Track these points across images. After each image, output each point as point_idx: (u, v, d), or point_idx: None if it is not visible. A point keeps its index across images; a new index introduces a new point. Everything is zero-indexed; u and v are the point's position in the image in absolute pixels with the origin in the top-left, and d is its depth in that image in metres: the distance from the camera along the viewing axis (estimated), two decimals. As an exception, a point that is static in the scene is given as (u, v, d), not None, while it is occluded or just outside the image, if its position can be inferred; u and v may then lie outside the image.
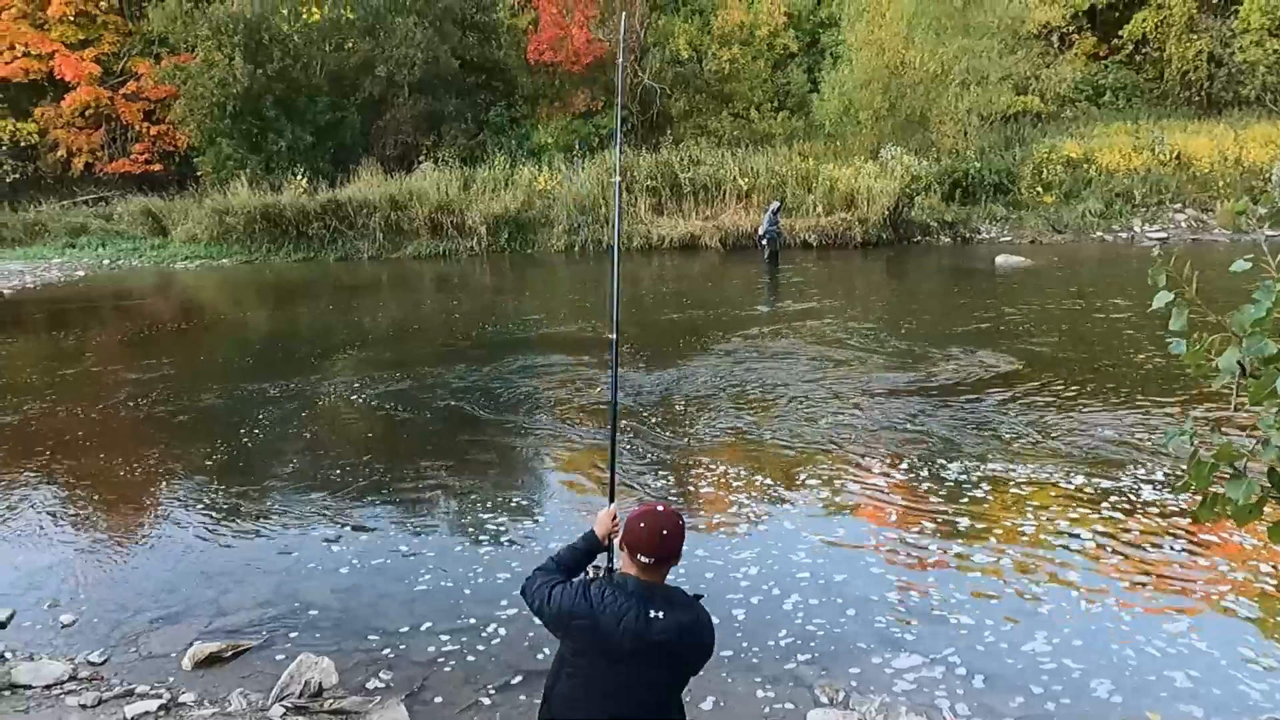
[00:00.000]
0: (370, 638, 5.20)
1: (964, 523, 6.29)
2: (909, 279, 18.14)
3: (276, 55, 27.10)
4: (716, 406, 9.27)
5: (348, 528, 6.80)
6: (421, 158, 27.84)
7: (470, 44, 29.20)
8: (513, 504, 7.14)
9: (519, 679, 4.71)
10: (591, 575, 2.85)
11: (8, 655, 5.23)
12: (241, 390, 10.84)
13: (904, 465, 7.42)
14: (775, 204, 19.76)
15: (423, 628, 5.26)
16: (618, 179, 3.40)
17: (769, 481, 7.24)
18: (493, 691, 4.62)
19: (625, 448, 8.18)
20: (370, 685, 4.76)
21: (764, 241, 19.07)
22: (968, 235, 22.48)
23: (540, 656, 4.89)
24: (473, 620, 5.31)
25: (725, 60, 29.01)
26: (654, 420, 8.92)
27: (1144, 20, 29.86)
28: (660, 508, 2.64)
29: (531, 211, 24.00)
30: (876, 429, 8.36)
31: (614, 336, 3.13)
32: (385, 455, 8.50)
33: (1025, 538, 6.04)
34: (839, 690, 4.50)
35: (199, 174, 28.81)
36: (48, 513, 7.43)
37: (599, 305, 16.22)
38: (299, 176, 25.33)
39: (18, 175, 30.48)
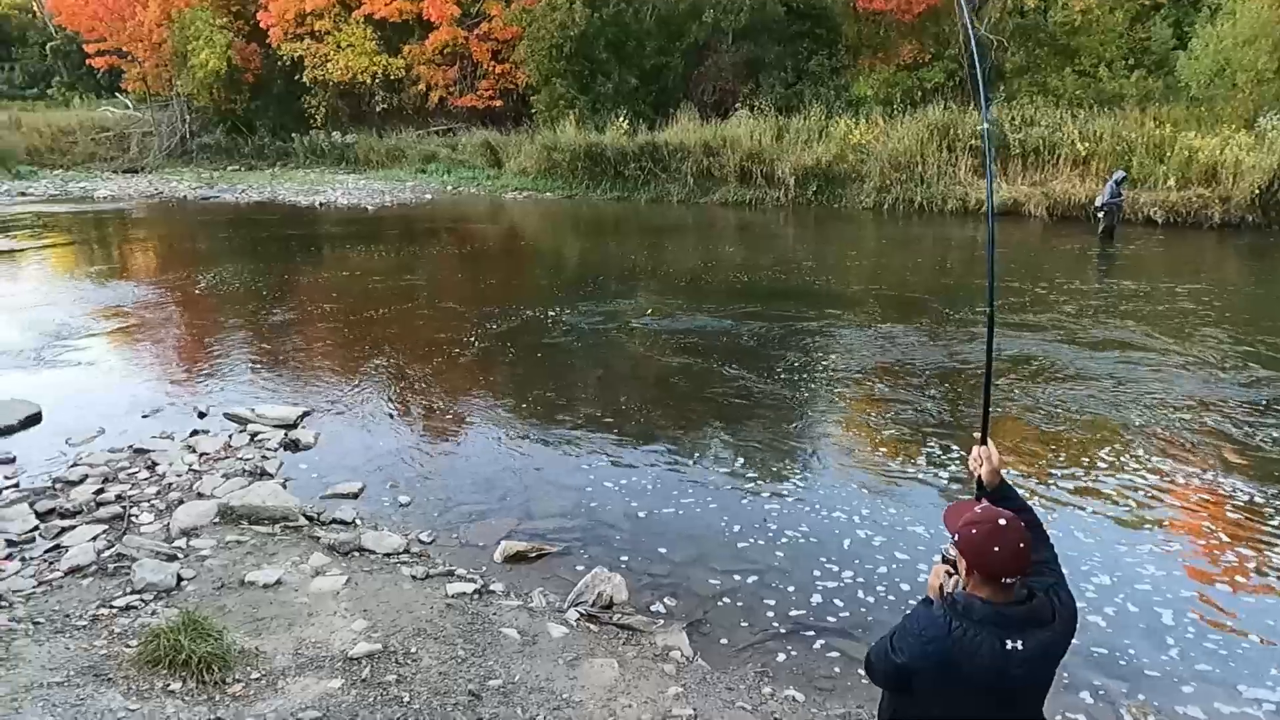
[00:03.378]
0: (658, 564, 5.47)
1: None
2: (1277, 270, 15.65)
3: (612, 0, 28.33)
4: (1019, 388, 8.61)
5: (639, 458, 7.15)
6: (738, 105, 27.98)
7: (798, -10, 28.75)
8: (793, 463, 7.14)
9: (800, 631, 4.76)
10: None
11: (357, 522, 6.09)
12: (550, 313, 11.68)
13: (1248, 484, 6.49)
14: (1120, 173, 17.75)
15: (707, 564, 5.45)
16: (985, 125, 3.12)
17: (1083, 479, 6.65)
18: (772, 637, 4.70)
19: (908, 418, 7.87)
20: (655, 608, 5.02)
21: (1100, 214, 17.25)
22: (1362, 225, 18.94)
23: (825, 614, 4.90)
24: (756, 566, 5.41)
25: (1077, 11, 26.24)
26: (941, 394, 8.49)
27: None
28: (1003, 520, 2.33)
29: (843, 165, 23.36)
30: (1218, 439, 7.37)
31: (989, 309, 2.92)
32: (673, 393, 8.81)
33: None
34: (1147, 714, 4.11)
35: (533, 112, 30.94)
36: (392, 405, 8.50)
37: (902, 268, 15.60)
38: (621, 118, 26.44)
39: (385, 106, 34.45)
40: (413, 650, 4.35)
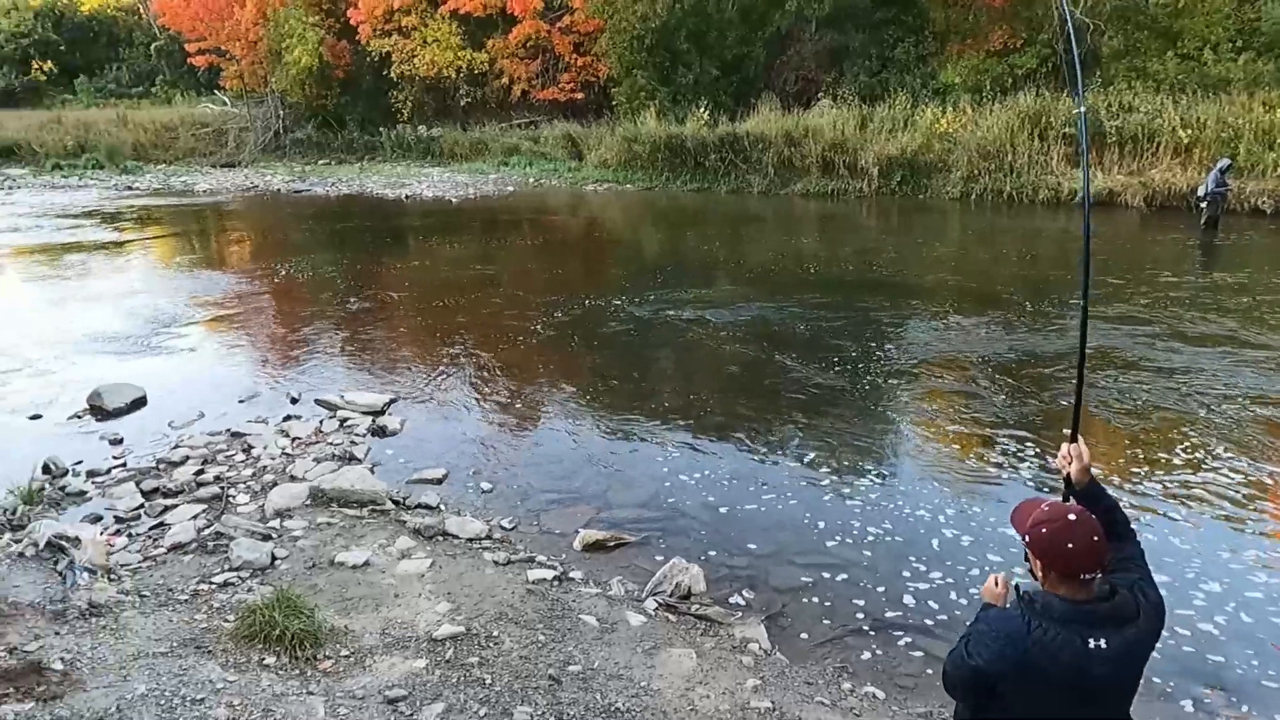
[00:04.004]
0: (736, 557, 5.45)
1: None
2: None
3: (695, -11, 28.22)
4: (1107, 384, 8.29)
5: (716, 449, 7.13)
6: (820, 94, 27.56)
7: (884, -25, 28.12)
8: (872, 458, 7.03)
9: (883, 629, 4.69)
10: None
11: (441, 508, 6.22)
12: (626, 304, 11.71)
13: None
14: (1224, 161, 16.90)
15: (786, 558, 5.41)
16: (1082, 109, 2.98)
17: (1174, 480, 6.37)
18: (852, 633, 4.65)
19: (987, 413, 7.66)
20: (733, 600, 5.01)
21: (1203, 203, 16.47)
22: None
23: (910, 613, 4.81)
24: (836, 562, 5.35)
25: (1181, -9, 25.06)
26: (1023, 389, 8.23)
27: None
28: (1073, 515, 2.26)
29: (929, 155, 22.82)
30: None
31: (1083, 302, 2.81)
32: (748, 385, 8.75)
33: None
34: (1248, 727, 3.94)
35: (614, 104, 31.06)
36: (474, 393, 8.65)
37: (987, 260, 15.18)
38: (701, 109, 26.33)
39: (469, 100, 35.01)
40: (494, 634, 4.43)
